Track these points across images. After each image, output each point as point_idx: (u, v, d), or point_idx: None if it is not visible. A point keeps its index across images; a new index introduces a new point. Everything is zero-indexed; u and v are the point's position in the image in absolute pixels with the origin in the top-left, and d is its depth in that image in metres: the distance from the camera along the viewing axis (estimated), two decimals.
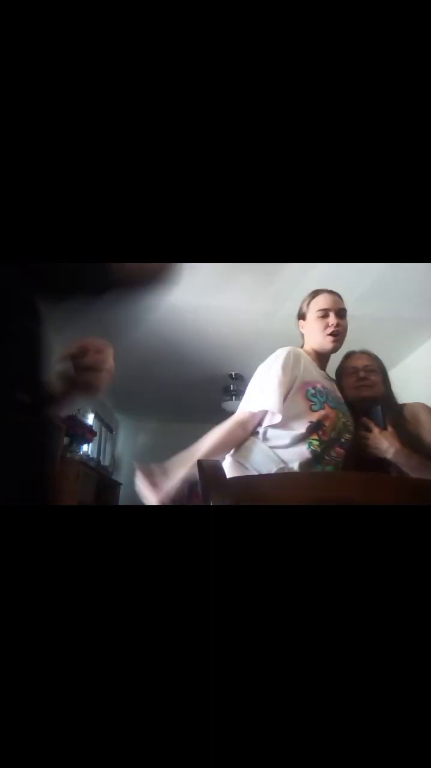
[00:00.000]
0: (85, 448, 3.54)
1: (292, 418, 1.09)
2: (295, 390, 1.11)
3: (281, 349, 1.19)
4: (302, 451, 1.06)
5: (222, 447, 1.09)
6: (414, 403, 1.26)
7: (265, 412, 1.10)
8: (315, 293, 1.27)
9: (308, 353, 1.25)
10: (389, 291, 2.48)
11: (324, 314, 1.21)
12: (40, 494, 0.58)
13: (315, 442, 1.07)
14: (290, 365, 1.13)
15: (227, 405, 3.58)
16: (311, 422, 1.08)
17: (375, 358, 1.32)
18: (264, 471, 1.05)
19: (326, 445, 1.08)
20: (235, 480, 0.54)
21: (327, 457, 1.09)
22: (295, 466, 1.06)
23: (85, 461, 3.25)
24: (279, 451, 1.07)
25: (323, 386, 1.15)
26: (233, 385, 3.59)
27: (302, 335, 1.29)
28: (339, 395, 1.22)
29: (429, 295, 2.49)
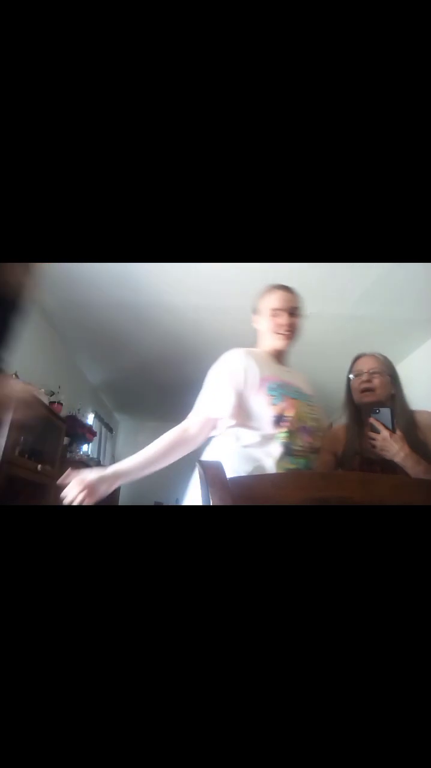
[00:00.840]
0: (85, 448, 3.54)
1: (257, 417, 1.08)
2: (253, 388, 1.10)
3: (230, 351, 1.18)
4: (274, 446, 1.06)
5: (166, 456, 1.05)
6: (423, 411, 1.25)
7: (217, 419, 1.09)
8: (269, 290, 1.27)
9: (264, 349, 1.25)
10: (389, 291, 2.48)
11: (276, 313, 1.21)
12: None
13: (282, 435, 1.07)
14: (241, 367, 1.12)
15: None
16: (274, 416, 1.08)
17: (382, 361, 1.30)
18: (242, 472, 1.03)
19: (293, 435, 1.08)
20: (235, 480, 0.54)
21: (297, 447, 1.09)
22: (270, 462, 1.05)
23: (85, 461, 3.25)
24: (252, 450, 1.07)
25: (281, 380, 1.15)
26: None
27: (257, 331, 1.28)
28: (299, 386, 1.21)
29: (429, 295, 2.49)
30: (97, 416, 4.25)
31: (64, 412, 2.89)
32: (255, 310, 1.28)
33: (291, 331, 1.23)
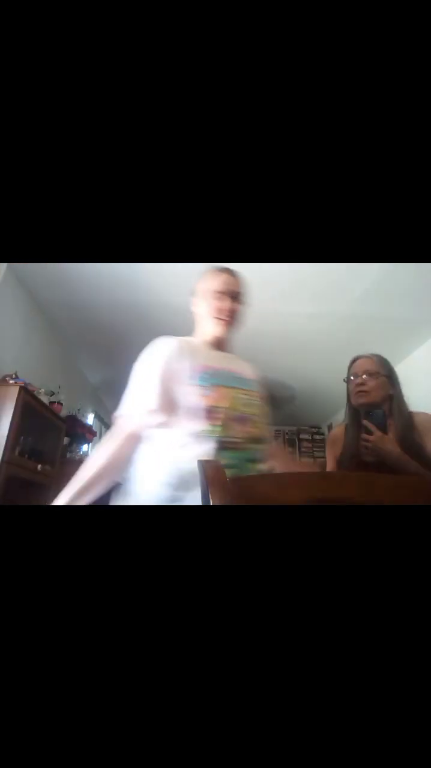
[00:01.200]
0: (85, 448, 3.54)
1: (186, 412, 0.98)
2: (180, 381, 1.00)
3: (156, 340, 1.08)
4: (205, 443, 0.95)
5: (103, 477, 0.94)
6: (421, 413, 1.25)
7: (143, 419, 0.99)
8: (212, 272, 1.15)
9: (201, 336, 1.15)
10: (389, 291, 2.49)
11: (218, 296, 1.10)
12: None
13: (212, 428, 0.96)
14: (165, 358, 1.02)
15: None
16: (203, 409, 0.97)
17: (379, 362, 1.30)
18: (173, 477, 0.92)
19: (225, 427, 0.97)
20: (235, 480, 0.54)
21: (232, 439, 0.98)
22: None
23: (85, 461, 3.24)
24: (182, 451, 0.95)
25: (214, 368, 1.04)
26: None
27: (194, 315, 1.17)
28: (240, 372, 1.12)
29: (429, 295, 2.49)
30: (97, 416, 4.25)
31: (64, 412, 2.89)
32: (194, 293, 1.17)
33: (232, 317, 1.11)
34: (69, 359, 3.53)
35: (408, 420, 1.21)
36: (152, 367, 1.02)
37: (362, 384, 1.26)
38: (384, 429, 1.16)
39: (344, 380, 1.33)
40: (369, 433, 1.15)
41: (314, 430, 4.63)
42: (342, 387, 1.37)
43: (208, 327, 1.13)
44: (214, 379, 1.02)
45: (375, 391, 1.25)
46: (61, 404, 2.81)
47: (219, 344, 1.15)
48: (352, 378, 1.30)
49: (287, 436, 4.66)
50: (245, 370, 1.16)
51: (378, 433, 1.14)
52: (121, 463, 0.97)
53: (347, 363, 1.36)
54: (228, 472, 0.86)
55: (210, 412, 0.97)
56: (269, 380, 1.32)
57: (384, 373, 1.28)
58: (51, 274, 2.45)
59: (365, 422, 1.17)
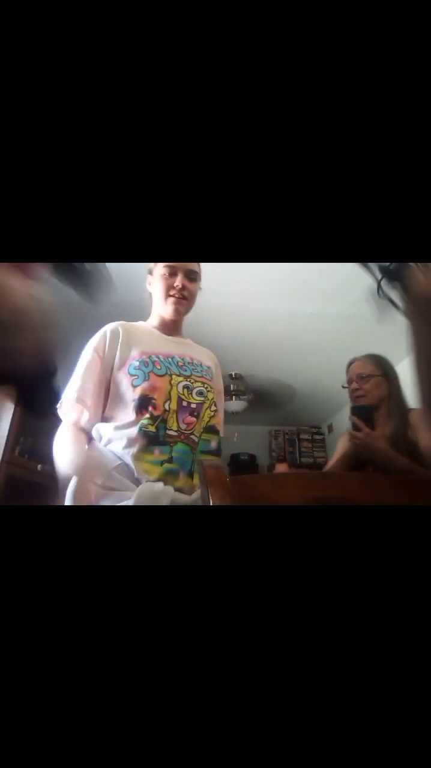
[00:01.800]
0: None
1: (118, 405, 0.93)
2: (117, 370, 0.95)
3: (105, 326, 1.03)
4: (136, 439, 0.88)
5: (80, 459, 0.90)
6: (419, 409, 1.25)
7: (78, 413, 0.95)
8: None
9: (151, 320, 1.11)
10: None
11: (171, 272, 1.04)
12: None
13: (146, 421, 0.89)
14: (105, 344, 0.98)
15: (228, 405, 3.59)
16: (134, 400, 0.91)
17: (374, 363, 1.31)
18: (108, 479, 0.87)
19: (162, 420, 0.91)
20: (235, 480, 0.54)
21: (170, 432, 0.91)
22: (128, 459, 0.87)
23: None
24: (113, 446, 0.90)
25: (152, 355, 0.97)
26: (233, 385, 3.60)
27: (150, 294, 1.13)
28: (191, 356, 1.05)
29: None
30: None
31: None
32: (149, 270, 1.11)
33: (184, 297, 1.05)
34: (69, 359, 3.52)
35: (404, 417, 1.22)
36: (81, 357, 0.99)
37: (357, 389, 1.28)
38: (371, 425, 1.17)
39: (342, 386, 1.35)
40: (358, 430, 1.16)
41: (314, 430, 4.62)
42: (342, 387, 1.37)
43: (159, 308, 1.08)
44: (146, 367, 0.95)
45: (371, 392, 1.27)
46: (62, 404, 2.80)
47: (170, 328, 1.10)
48: (349, 383, 1.32)
49: (287, 436, 4.65)
50: (197, 355, 1.09)
51: (366, 430, 1.15)
52: (73, 462, 0.92)
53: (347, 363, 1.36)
54: (164, 468, 0.85)
55: (144, 403, 0.91)
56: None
57: (379, 373, 1.29)
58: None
59: (352, 418, 1.19)
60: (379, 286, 0.65)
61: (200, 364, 1.07)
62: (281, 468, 3.88)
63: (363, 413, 1.19)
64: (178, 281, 1.05)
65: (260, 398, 3.65)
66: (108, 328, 1.04)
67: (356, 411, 1.21)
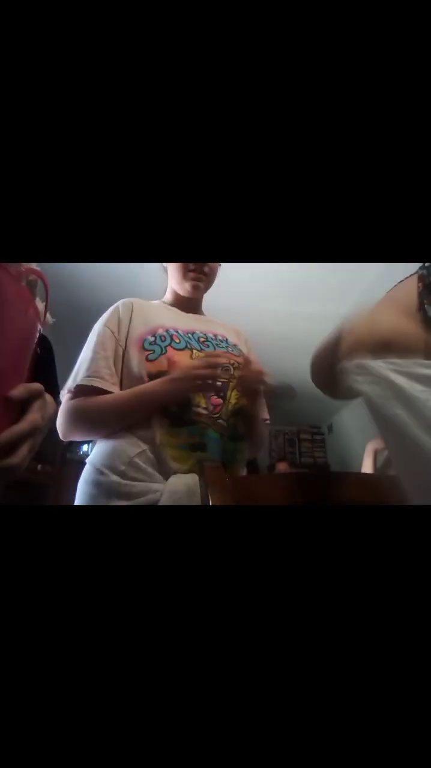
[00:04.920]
0: (85, 448, 3.54)
1: (132, 385, 0.85)
2: (131, 346, 0.89)
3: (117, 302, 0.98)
4: (158, 419, 0.81)
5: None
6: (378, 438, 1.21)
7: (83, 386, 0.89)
8: None
9: (165, 297, 1.06)
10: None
11: None
12: None
13: None
14: (119, 318, 0.92)
15: None
16: (148, 376, 0.84)
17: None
18: (118, 462, 0.82)
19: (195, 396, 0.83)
20: (235, 480, 0.54)
21: (199, 410, 0.83)
22: (144, 444, 0.81)
23: (84, 461, 3.24)
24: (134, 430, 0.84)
25: (169, 328, 0.91)
26: None
27: (166, 271, 1.07)
28: (211, 333, 0.97)
29: None
30: None
31: None
32: None
33: (204, 273, 0.99)
34: (69, 359, 3.52)
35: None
36: (92, 333, 0.94)
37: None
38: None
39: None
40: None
41: (314, 430, 4.62)
42: None
43: (176, 285, 1.03)
44: (163, 342, 0.88)
45: None
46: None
47: (188, 306, 1.04)
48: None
49: (287, 436, 4.65)
50: (221, 331, 1.02)
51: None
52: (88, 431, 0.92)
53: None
54: (197, 456, 0.80)
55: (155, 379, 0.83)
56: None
57: None
58: (50, 274, 2.45)
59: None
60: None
61: (226, 340, 0.99)
62: (281, 468, 3.89)
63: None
64: (196, 264, 0.99)
65: None
66: (120, 302, 0.98)
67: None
